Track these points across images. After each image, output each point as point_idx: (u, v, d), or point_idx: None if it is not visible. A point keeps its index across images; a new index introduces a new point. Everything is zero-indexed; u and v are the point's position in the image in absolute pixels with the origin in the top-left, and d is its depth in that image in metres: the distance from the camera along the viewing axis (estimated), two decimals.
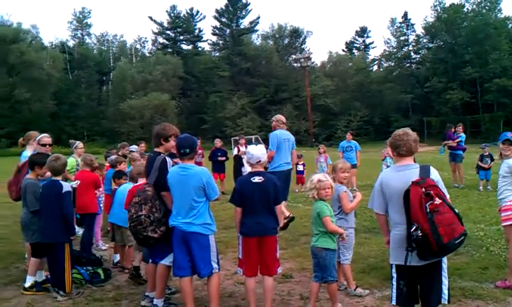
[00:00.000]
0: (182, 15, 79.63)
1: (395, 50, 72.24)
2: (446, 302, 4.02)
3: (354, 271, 6.20)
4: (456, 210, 3.74)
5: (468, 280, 6.04)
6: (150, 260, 5.54)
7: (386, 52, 73.58)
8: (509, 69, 58.07)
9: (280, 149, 8.63)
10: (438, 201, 3.64)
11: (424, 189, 3.70)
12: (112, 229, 7.31)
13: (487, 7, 64.20)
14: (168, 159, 5.28)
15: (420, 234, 3.68)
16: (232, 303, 5.58)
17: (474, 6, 64.89)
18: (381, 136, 48.07)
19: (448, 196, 3.92)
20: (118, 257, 7.35)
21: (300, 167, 15.79)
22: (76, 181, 7.16)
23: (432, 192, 3.68)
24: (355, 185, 14.85)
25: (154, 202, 5.13)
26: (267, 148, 14.15)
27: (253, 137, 50.22)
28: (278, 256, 5.19)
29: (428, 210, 3.65)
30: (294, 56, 73.50)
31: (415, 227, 3.74)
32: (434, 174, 3.95)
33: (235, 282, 6.32)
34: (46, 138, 7.76)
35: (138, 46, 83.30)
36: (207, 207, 5.05)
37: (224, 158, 15.04)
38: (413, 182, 3.80)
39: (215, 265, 5.03)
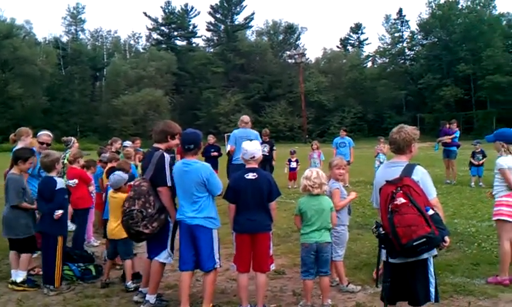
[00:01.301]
0: (176, 10, 79.63)
1: (389, 46, 72.30)
2: (433, 301, 4.01)
3: (347, 267, 6.22)
4: (430, 212, 3.69)
5: (459, 276, 6.07)
6: (146, 256, 5.54)
7: (381, 49, 73.67)
8: (503, 66, 58.25)
9: (237, 145, 9.83)
10: (400, 201, 3.63)
11: (398, 188, 3.70)
12: (105, 225, 7.26)
13: (481, 4, 64.46)
14: (166, 155, 5.28)
15: (383, 232, 3.74)
16: (224, 299, 5.56)
17: (469, 3, 65.12)
18: (375, 132, 48.10)
19: (433, 196, 3.93)
20: None
21: (293, 164, 15.78)
22: (74, 181, 7.17)
23: (401, 191, 3.67)
24: (347, 182, 14.84)
25: (148, 197, 5.11)
26: (262, 144, 14.19)
27: None
28: (271, 253, 5.19)
29: (390, 209, 3.67)
30: (288, 52, 73.59)
31: (375, 225, 3.84)
32: (417, 174, 3.92)
33: (227, 278, 6.31)
34: (45, 136, 7.67)
35: (132, 42, 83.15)
36: (210, 201, 5.06)
37: (217, 154, 15.03)
38: (386, 181, 3.83)
39: (217, 260, 5.07)
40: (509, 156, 5.82)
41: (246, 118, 10.74)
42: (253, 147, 5.15)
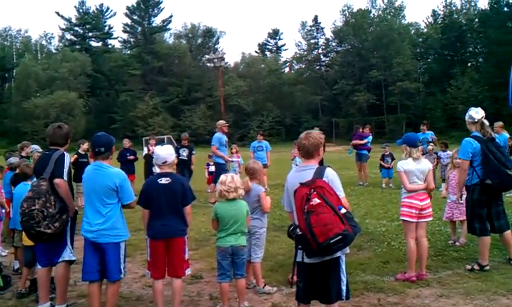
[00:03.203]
0: (91, 11, 77.27)
1: (305, 52, 74.35)
2: (344, 299, 4.17)
3: (264, 269, 6.28)
4: (343, 210, 3.83)
5: (370, 274, 6.31)
6: (40, 266, 5.26)
7: (297, 55, 75.60)
8: (411, 73, 61.97)
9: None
10: (315, 202, 3.74)
11: (312, 190, 3.81)
12: (13, 234, 6.90)
13: (392, 14, 67.98)
14: (66, 154, 5.17)
15: (300, 233, 3.84)
16: None
17: (380, 12, 68.48)
18: (292, 136, 49.18)
19: (343, 195, 4.07)
20: (18, 263, 6.96)
21: (212, 168, 15.73)
22: None
23: (315, 192, 3.79)
24: (266, 185, 15.06)
25: (48, 197, 4.89)
26: (181, 148, 14.29)
27: (166, 137, 49.64)
28: (186, 257, 5.15)
29: (306, 210, 3.77)
30: (207, 56, 73.34)
31: (292, 226, 3.95)
32: (328, 175, 4.05)
33: (143, 285, 6.21)
34: None
35: (44, 42, 79.56)
36: (118, 210, 4.93)
37: (133, 157, 14.75)
38: (300, 183, 3.94)
39: (123, 270, 4.97)
40: (409, 159, 6.16)
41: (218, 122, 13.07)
42: (165, 152, 5.10)
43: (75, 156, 12.10)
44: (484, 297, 5.37)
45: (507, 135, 12.65)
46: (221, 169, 12.34)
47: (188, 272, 5.22)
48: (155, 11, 76.61)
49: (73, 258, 5.24)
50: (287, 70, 79.85)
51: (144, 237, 5.32)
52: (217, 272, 5.26)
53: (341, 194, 4.05)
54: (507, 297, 5.35)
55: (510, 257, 6.53)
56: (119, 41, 79.98)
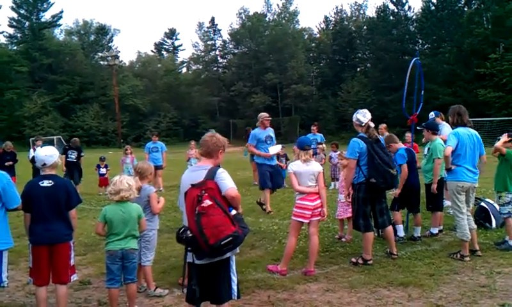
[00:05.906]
0: None
1: (202, 53, 74.27)
2: (235, 298, 4.23)
3: (156, 272, 6.22)
4: (233, 212, 3.89)
5: (261, 272, 6.44)
6: None
7: (195, 55, 75.38)
8: (305, 76, 64.22)
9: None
10: (207, 203, 3.77)
11: (203, 191, 3.83)
12: None
13: (286, 18, 69.90)
14: None
15: (190, 235, 3.83)
16: None
17: (275, 16, 70.16)
18: (190, 137, 48.95)
19: (230, 186, 4.05)
20: None
21: (102, 170, 15.26)
22: None
23: (207, 194, 3.81)
24: (161, 186, 14.89)
25: None
26: (69, 150, 13.75)
27: (55, 138, 47.33)
28: (72, 263, 4.94)
29: (197, 212, 3.79)
30: (100, 54, 71.04)
31: (183, 229, 3.94)
32: (218, 176, 4.04)
33: (26, 293, 5.88)
34: None
35: None
36: (1, 215, 4.66)
37: (12, 163, 14.00)
38: (191, 185, 3.94)
39: (5, 279, 4.71)
40: (298, 161, 6.39)
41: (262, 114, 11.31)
42: (43, 153, 4.87)
43: None
44: (366, 290, 5.68)
45: None
46: (265, 170, 10.42)
47: (74, 278, 5.02)
48: (44, 6, 72.42)
49: None
50: (184, 70, 79.47)
51: (27, 243, 5.03)
52: (106, 277, 5.09)
53: (228, 185, 4.00)
54: (387, 289, 5.71)
55: (391, 251, 6.96)
56: (4, 36, 74.77)
